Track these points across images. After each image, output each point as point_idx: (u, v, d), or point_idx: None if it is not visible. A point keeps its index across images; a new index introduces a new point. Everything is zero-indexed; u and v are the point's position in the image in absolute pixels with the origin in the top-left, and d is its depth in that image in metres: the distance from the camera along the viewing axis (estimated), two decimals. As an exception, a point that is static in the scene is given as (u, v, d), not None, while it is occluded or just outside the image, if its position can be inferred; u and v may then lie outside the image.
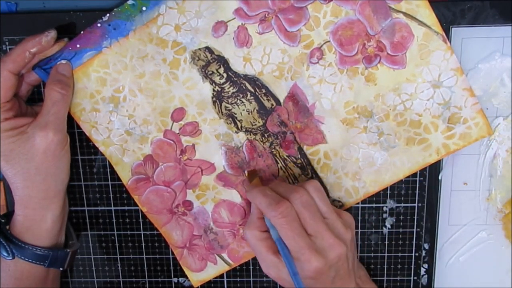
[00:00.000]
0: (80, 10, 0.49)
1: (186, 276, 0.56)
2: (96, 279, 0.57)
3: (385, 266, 0.55)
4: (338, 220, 0.47)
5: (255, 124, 0.51)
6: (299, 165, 0.52)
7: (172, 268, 0.56)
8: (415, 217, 0.54)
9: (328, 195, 0.52)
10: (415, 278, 0.56)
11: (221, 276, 0.56)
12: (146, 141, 0.51)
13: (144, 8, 0.48)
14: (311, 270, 0.44)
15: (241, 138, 0.51)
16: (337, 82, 0.49)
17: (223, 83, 0.50)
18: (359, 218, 0.54)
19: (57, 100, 0.47)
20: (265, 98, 0.50)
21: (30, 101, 0.51)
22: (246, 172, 0.52)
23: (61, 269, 0.50)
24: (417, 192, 0.53)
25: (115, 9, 0.48)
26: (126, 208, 0.55)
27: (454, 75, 0.49)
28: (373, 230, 0.55)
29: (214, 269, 0.55)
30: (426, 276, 0.55)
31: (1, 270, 0.48)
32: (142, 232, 0.55)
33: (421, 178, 0.53)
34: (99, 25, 0.48)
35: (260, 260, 0.48)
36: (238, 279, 0.56)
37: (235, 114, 0.51)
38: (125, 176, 0.52)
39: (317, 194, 0.47)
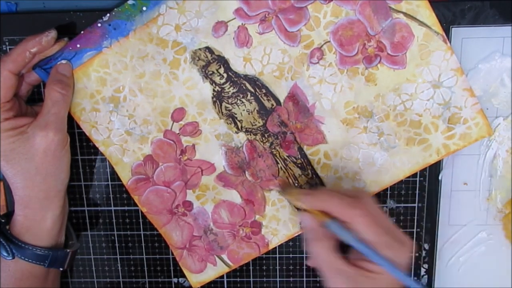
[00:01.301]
0: (80, 10, 0.49)
1: (186, 277, 0.56)
2: (96, 279, 0.57)
3: (385, 266, 0.55)
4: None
5: (255, 124, 0.51)
6: (299, 165, 0.52)
7: (172, 268, 0.56)
8: (415, 217, 0.54)
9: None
10: (415, 278, 0.56)
11: (221, 276, 0.55)
12: (146, 141, 0.51)
13: (144, 8, 0.48)
14: (402, 262, 0.43)
15: (241, 138, 0.51)
16: (337, 82, 0.50)
17: (223, 83, 0.50)
18: (359, 218, 0.54)
19: (57, 100, 0.47)
20: (265, 98, 0.50)
21: (30, 101, 0.51)
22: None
23: (61, 269, 0.50)
24: (417, 192, 0.53)
25: (115, 9, 0.48)
26: (126, 208, 0.55)
27: (454, 75, 0.49)
28: (373, 230, 0.55)
29: (213, 271, 0.55)
30: (426, 276, 0.55)
31: (1, 270, 0.48)
32: (142, 232, 0.55)
33: (421, 178, 0.53)
34: (99, 25, 0.48)
35: (334, 273, 0.44)
36: (238, 279, 0.56)
37: (235, 114, 0.51)
38: (125, 176, 0.52)
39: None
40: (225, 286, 0.57)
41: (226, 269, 0.55)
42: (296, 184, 0.52)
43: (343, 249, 0.45)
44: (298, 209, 0.51)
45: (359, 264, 0.44)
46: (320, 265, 0.45)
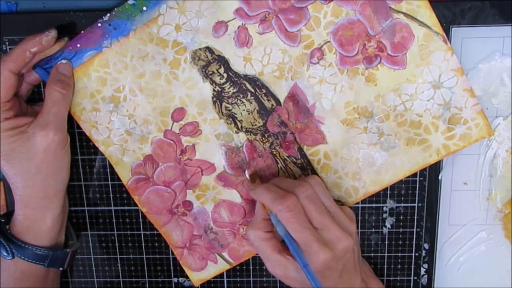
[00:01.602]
0: (80, 10, 0.49)
1: (186, 276, 0.56)
2: (96, 279, 0.57)
3: (385, 266, 0.56)
4: (341, 213, 0.47)
5: (255, 124, 0.51)
6: (299, 165, 0.52)
7: (172, 268, 0.56)
8: (415, 217, 0.54)
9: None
10: (415, 278, 0.56)
11: (221, 276, 0.56)
12: (146, 141, 0.51)
13: (144, 8, 0.48)
14: (319, 262, 0.44)
15: (241, 138, 0.51)
16: (338, 83, 0.50)
17: (224, 83, 0.50)
18: (359, 218, 0.54)
19: (57, 100, 0.47)
20: (265, 98, 0.50)
21: (30, 101, 0.51)
22: (246, 173, 0.52)
23: (61, 269, 0.51)
24: (417, 192, 0.53)
25: (115, 8, 0.47)
26: (126, 208, 0.55)
27: (455, 75, 0.49)
28: (373, 230, 0.55)
29: (214, 268, 0.55)
30: (426, 276, 0.55)
31: (1, 270, 0.48)
32: (142, 232, 0.55)
33: (421, 178, 0.53)
34: (99, 24, 0.48)
35: (265, 260, 0.48)
36: (238, 279, 0.57)
37: (235, 114, 0.51)
38: (125, 176, 0.52)
39: (319, 188, 0.47)
40: (225, 285, 0.57)
41: (227, 266, 0.55)
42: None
43: None
44: None
45: (289, 252, 0.46)
46: (256, 250, 0.49)
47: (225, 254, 0.54)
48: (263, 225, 0.48)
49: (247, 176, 0.52)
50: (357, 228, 0.54)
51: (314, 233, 0.45)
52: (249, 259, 0.55)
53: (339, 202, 0.52)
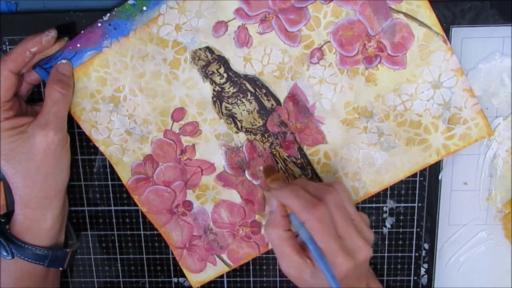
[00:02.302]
0: (80, 10, 0.49)
1: (186, 276, 0.56)
2: (96, 279, 0.57)
3: (385, 266, 0.56)
4: (362, 220, 0.46)
5: (255, 124, 0.51)
6: (299, 165, 0.52)
7: (172, 268, 0.56)
8: (415, 217, 0.54)
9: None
10: (415, 278, 0.56)
11: (221, 276, 0.55)
12: (146, 141, 0.51)
13: (144, 8, 0.48)
14: (342, 271, 0.43)
15: (241, 138, 0.51)
16: (338, 83, 0.50)
17: (224, 83, 0.50)
18: (359, 218, 0.54)
19: (57, 100, 0.47)
20: (265, 98, 0.50)
21: (30, 101, 0.51)
22: (261, 168, 0.51)
23: (60, 268, 0.51)
24: (417, 192, 0.53)
25: (115, 8, 0.48)
26: (126, 208, 0.55)
27: (454, 75, 0.49)
28: (373, 230, 0.55)
29: (213, 270, 0.55)
30: (426, 276, 0.55)
31: (1, 270, 0.48)
32: (142, 232, 0.55)
33: (421, 178, 0.53)
34: (99, 24, 0.48)
35: (282, 260, 0.46)
36: (238, 279, 0.56)
37: (235, 114, 0.51)
38: (125, 176, 0.52)
39: (344, 195, 0.46)
40: (225, 286, 0.57)
41: (226, 269, 0.55)
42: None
43: None
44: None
45: (307, 254, 0.45)
46: (273, 248, 0.47)
47: (224, 256, 0.54)
48: (284, 223, 0.46)
49: (248, 176, 0.51)
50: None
51: (340, 243, 0.44)
52: (248, 260, 0.55)
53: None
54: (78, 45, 0.48)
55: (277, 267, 0.56)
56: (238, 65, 0.49)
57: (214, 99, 0.50)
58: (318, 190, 0.46)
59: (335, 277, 0.43)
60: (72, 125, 0.51)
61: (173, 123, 0.51)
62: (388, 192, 0.53)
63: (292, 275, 0.46)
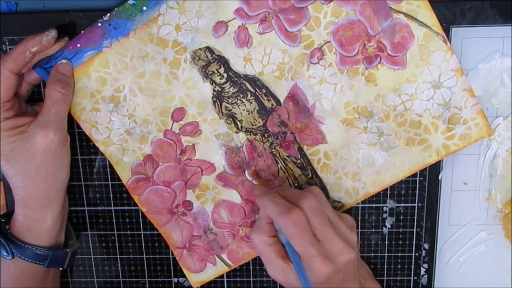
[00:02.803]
0: (80, 10, 0.49)
1: (186, 276, 0.56)
2: (96, 279, 0.57)
3: (385, 266, 0.56)
4: (342, 223, 0.47)
5: (255, 124, 0.51)
6: (299, 165, 0.52)
7: (172, 268, 0.56)
8: (415, 217, 0.54)
9: (328, 196, 0.52)
10: (415, 278, 0.56)
11: (221, 276, 0.55)
12: (146, 141, 0.51)
13: (144, 8, 0.48)
14: (321, 275, 0.44)
15: (241, 138, 0.51)
16: (338, 83, 0.50)
17: (224, 83, 0.50)
18: (359, 218, 0.54)
19: (57, 100, 0.47)
20: (265, 98, 0.50)
21: (30, 101, 0.51)
22: (247, 173, 0.52)
23: (60, 268, 0.50)
24: (417, 192, 0.53)
25: (115, 8, 0.48)
26: (126, 208, 0.55)
27: (454, 75, 0.49)
28: (373, 230, 0.55)
29: (213, 270, 0.55)
30: (426, 276, 0.55)
31: (1, 270, 0.48)
32: (142, 232, 0.55)
33: (421, 178, 0.53)
34: (99, 24, 0.48)
35: (268, 264, 0.47)
36: (238, 279, 0.56)
37: (235, 114, 0.51)
38: (125, 176, 0.52)
39: (321, 198, 0.47)
40: (225, 286, 0.57)
41: (226, 269, 0.55)
42: (295, 184, 0.52)
43: None
44: None
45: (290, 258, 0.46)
46: (259, 254, 0.48)
47: (224, 256, 0.54)
48: (268, 229, 0.47)
49: (248, 176, 0.52)
50: (357, 228, 0.54)
51: (317, 247, 0.44)
52: (248, 260, 0.55)
53: (339, 203, 0.52)
54: (78, 45, 0.48)
55: (277, 267, 0.56)
56: (238, 65, 0.49)
57: (214, 99, 0.50)
58: (294, 196, 0.46)
59: (308, 281, 0.44)
60: (72, 125, 0.51)
61: (173, 123, 0.51)
62: (388, 192, 0.53)
63: (279, 279, 0.47)
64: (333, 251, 0.45)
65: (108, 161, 0.52)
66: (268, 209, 0.46)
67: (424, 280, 0.56)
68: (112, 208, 0.55)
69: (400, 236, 0.55)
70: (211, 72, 0.50)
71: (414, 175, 0.52)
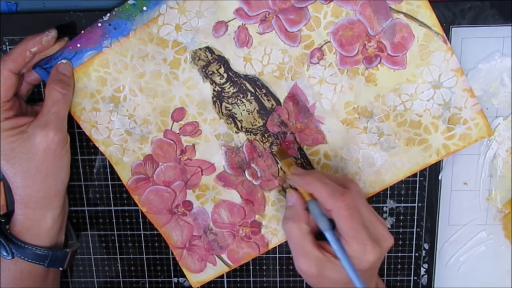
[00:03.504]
0: (80, 10, 0.49)
1: (186, 276, 0.56)
2: (96, 279, 0.57)
3: (385, 266, 0.56)
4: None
5: (255, 124, 0.51)
6: (299, 165, 0.52)
7: (172, 268, 0.56)
8: (415, 217, 0.54)
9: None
10: (415, 278, 0.56)
11: (221, 276, 0.55)
12: (146, 141, 0.51)
13: (144, 8, 0.48)
14: (369, 261, 0.43)
15: (241, 138, 0.51)
16: (338, 83, 0.50)
17: (224, 83, 0.50)
18: (359, 218, 0.54)
19: (57, 100, 0.47)
20: (265, 98, 0.50)
21: (30, 101, 0.51)
22: (275, 148, 0.51)
23: (60, 268, 0.50)
24: (417, 192, 0.53)
25: (115, 8, 0.48)
26: (126, 208, 0.55)
27: (454, 75, 0.49)
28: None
29: (213, 270, 0.55)
30: (426, 276, 0.55)
31: (1, 270, 0.48)
32: (142, 232, 0.55)
33: (421, 178, 0.53)
34: (99, 24, 0.48)
35: (302, 256, 0.44)
36: (238, 279, 0.56)
37: (235, 114, 0.51)
38: (125, 176, 0.52)
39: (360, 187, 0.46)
40: (225, 286, 0.57)
41: (226, 269, 0.55)
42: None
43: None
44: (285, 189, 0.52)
45: (328, 249, 0.44)
46: (290, 244, 0.46)
47: (224, 256, 0.54)
48: (305, 217, 0.45)
49: (248, 176, 0.51)
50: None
51: (368, 231, 0.43)
52: (248, 261, 0.55)
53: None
54: (78, 45, 0.48)
55: (277, 267, 0.56)
56: (238, 65, 0.49)
57: (214, 99, 0.50)
58: (338, 180, 0.45)
59: (354, 268, 0.42)
60: (72, 125, 0.51)
61: (173, 123, 0.51)
62: (388, 192, 0.53)
63: (311, 272, 0.44)
64: (378, 237, 0.44)
65: (108, 161, 0.52)
66: (317, 188, 0.44)
67: (424, 280, 0.56)
68: (112, 208, 0.55)
69: (400, 236, 0.55)
70: (211, 72, 0.50)
71: (414, 175, 0.52)
